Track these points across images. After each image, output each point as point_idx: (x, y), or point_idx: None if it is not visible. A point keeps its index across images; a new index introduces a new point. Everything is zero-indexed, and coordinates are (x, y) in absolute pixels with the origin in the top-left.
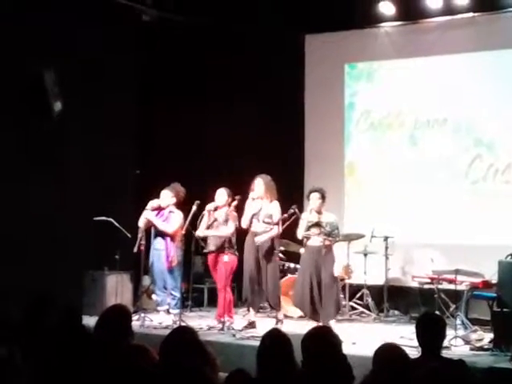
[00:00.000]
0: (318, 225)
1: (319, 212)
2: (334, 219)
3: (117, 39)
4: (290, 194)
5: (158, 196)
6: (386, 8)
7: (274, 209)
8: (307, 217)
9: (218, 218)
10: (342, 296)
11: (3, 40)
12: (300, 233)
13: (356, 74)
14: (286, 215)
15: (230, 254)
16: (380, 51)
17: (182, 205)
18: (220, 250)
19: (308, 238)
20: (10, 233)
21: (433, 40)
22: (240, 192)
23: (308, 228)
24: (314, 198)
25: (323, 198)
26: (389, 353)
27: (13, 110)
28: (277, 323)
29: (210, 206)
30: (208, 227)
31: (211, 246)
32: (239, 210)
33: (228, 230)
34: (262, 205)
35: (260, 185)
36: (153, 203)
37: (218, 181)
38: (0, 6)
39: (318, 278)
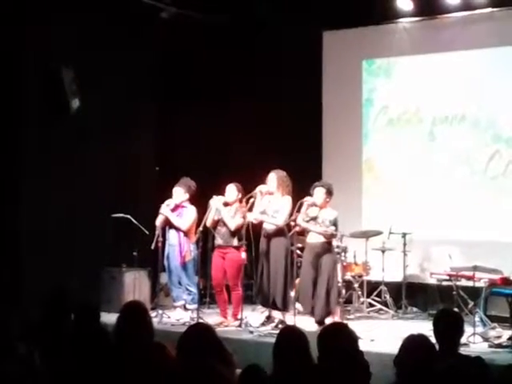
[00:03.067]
0: (314, 220)
1: (321, 207)
2: (332, 216)
3: (135, 36)
4: (308, 192)
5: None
6: (404, 3)
7: (281, 203)
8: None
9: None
10: (335, 299)
11: (21, 37)
12: (299, 221)
13: (374, 70)
14: (293, 217)
15: (244, 251)
16: (398, 47)
17: (197, 198)
18: (233, 245)
19: (307, 234)
20: (29, 229)
21: (451, 35)
22: (254, 188)
23: (306, 222)
24: (318, 192)
25: (328, 193)
26: (416, 342)
27: (32, 107)
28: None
29: (216, 201)
30: (216, 222)
31: (219, 240)
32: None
33: (234, 222)
34: (272, 200)
35: (272, 180)
36: (168, 202)
37: (235, 177)
38: (19, 5)
39: (314, 275)
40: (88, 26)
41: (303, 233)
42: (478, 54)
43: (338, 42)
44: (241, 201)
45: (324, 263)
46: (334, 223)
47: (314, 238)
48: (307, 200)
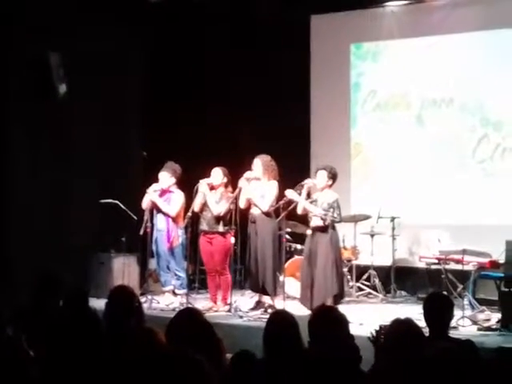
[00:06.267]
0: (314, 203)
1: (322, 190)
2: (332, 198)
3: (123, 20)
4: (296, 176)
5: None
6: None
7: (267, 188)
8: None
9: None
10: (335, 284)
11: (8, 22)
12: (299, 209)
13: (362, 54)
14: (282, 202)
15: (233, 236)
16: (386, 31)
17: (185, 184)
18: (218, 231)
19: (310, 219)
20: (18, 215)
21: (439, 19)
22: (244, 173)
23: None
24: (321, 175)
25: (331, 177)
26: (403, 327)
27: (19, 93)
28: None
29: (203, 185)
30: (203, 207)
31: (204, 226)
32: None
33: (219, 208)
34: (258, 185)
35: (258, 165)
36: (155, 187)
37: (223, 162)
38: None
39: (310, 261)
40: (77, 9)
41: (292, 216)
42: (466, 37)
43: (326, 26)
44: (226, 185)
45: (320, 248)
46: (333, 206)
47: (314, 222)
48: (307, 182)
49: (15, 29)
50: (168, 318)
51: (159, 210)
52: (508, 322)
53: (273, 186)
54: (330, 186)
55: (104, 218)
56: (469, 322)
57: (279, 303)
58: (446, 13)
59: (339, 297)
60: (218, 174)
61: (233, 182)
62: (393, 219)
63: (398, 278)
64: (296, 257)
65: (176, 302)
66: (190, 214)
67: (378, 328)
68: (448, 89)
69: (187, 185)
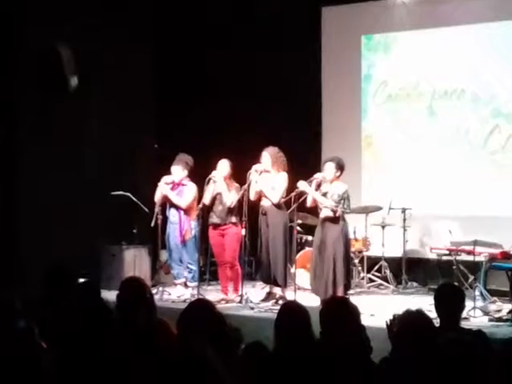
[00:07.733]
0: (324, 195)
1: (331, 182)
2: (342, 190)
3: (135, 12)
4: (308, 168)
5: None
6: None
7: (277, 179)
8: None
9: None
10: (344, 274)
11: (19, 16)
12: (308, 201)
13: (373, 45)
14: (294, 193)
15: (244, 228)
16: (397, 22)
17: (195, 175)
18: (231, 222)
19: (320, 210)
20: (29, 207)
21: (451, 10)
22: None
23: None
24: (329, 167)
25: (338, 168)
26: (414, 318)
27: (31, 85)
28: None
29: (217, 177)
30: (212, 200)
31: (215, 219)
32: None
33: (229, 198)
34: (268, 178)
35: (266, 158)
36: (167, 179)
37: (235, 154)
38: None
39: (320, 251)
40: (86, 3)
41: (303, 207)
42: (477, 28)
43: (337, 18)
44: (229, 177)
45: (330, 239)
46: (344, 197)
47: (323, 213)
48: (317, 177)
49: (26, 23)
50: (179, 309)
51: (172, 204)
52: None
53: (283, 178)
54: (338, 177)
55: (115, 210)
56: (480, 313)
57: (290, 294)
58: (457, 4)
59: (347, 286)
60: (225, 166)
61: (241, 174)
62: (404, 210)
63: (409, 269)
64: (307, 248)
65: (187, 293)
66: (201, 205)
67: (391, 318)
68: (459, 80)
69: (199, 177)
